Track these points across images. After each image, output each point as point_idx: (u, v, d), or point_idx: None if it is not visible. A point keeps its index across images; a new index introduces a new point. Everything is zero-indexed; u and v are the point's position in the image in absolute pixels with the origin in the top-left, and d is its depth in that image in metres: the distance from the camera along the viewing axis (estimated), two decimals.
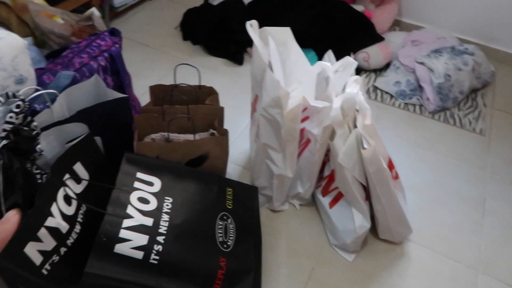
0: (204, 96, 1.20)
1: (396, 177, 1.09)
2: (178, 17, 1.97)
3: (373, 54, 1.76)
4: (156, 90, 1.19)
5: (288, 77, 1.09)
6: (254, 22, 1.05)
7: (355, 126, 1.02)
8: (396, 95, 1.69)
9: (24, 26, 1.38)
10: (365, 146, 0.96)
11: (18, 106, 0.72)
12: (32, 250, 0.75)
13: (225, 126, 1.16)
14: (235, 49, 1.80)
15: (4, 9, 1.36)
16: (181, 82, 1.18)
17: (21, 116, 0.74)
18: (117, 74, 1.19)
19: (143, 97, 1.55)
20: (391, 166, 1.05)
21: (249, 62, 1.81)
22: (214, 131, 1.12)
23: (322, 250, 1.14)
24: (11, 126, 0.72)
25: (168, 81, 1.66)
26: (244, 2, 1.92)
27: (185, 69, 1.52)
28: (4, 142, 0.71)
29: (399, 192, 1.10)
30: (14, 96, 0.75)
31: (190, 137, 1.11)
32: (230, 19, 1.82)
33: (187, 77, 1.30)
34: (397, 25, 2.06)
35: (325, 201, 1.14)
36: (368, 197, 1.08)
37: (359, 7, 1.82)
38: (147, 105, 1.14)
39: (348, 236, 1.08)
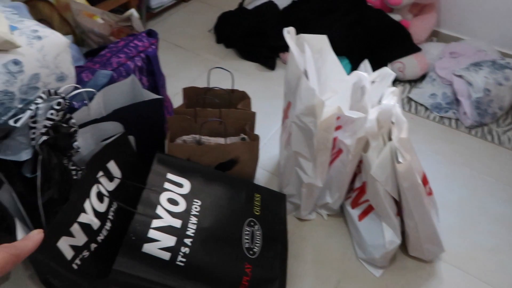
0: (236, 100, 1.20)
1: (429, 193, 1.05)
2: (213, 20, 1.99)
3: (409, 64, 1.72)
4: (190, 92, 1.20)
5: (322, 85, 1.07)
6: (291, 29, 1.04)
7: (390, 139, 0.99)
8: (431, 107, 1.64)
9: (65, 24, 1.42)
10: (400, 160, 0.93)
11: (59, 104, 0.74)
12: (64, 245, 0.77)
13: (255, 131, 1.15)
14: (267, 54, 1.79)
15: (48, 7, 1.41)
16: (214, 86, 1.18)
17: (61, 113, 0.76)
18: (152, 75, 1.21)
19: (175, 98, 1.56)
20: (425, 181, 1.02)
21: (281, 67, 1.80)
22: (245, 136, 1.12)
23: (349, 263, 1.11)
24: (51, 122, 0.74)
25: (200, 83, 1.67)
26: (278, 7, 1.92)
27: (218, 72, 1.53)
28: (44, 138, 0.73)
29: (432, 209, 1.06)
30: (56, 93, 0.77)
31: (221, 140, 1.11)
32: (264, 23, 1.82)
33: (220, 81, 1.31)
34: (435, 35, 2.00)
35: (354, 213, 1.12)
36: (399, 212, 1.05)
37: (396, 16, 1.78)
38: (180, 107, 1.15)
39: (377, 250, 1.05)
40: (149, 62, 1.19)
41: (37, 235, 0.36)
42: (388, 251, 1.04)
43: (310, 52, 1.08)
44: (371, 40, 1.76)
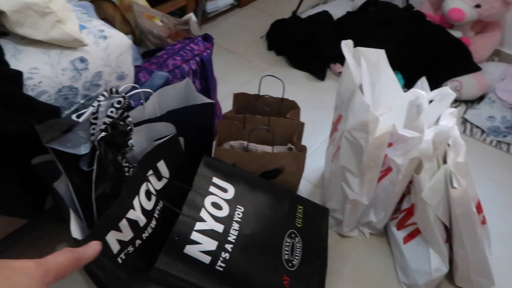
0: (286, 109, 1.20)
1: (483, 222, 0.99)
2: (265, 27, 2.00)
3: (467, 84, 1.64)
4: (240, 98, 1.21)
5: (376, 100, 1.05)
6: (349, 42, 1.02)
7: (445, 162, 0.95)
8: (489, 131, 1.56)
9: (126, 24, 1.48)
10: (455, 185, 0.89)
11: (119, 102, 0.77)
12: (112, 239, 0.79)
13: (302, 141, 1.14)
14: (318, 64, 1.78)
15: (111, 7, 1.47)
16: (264, 93, 1.18)
17: (120, 111, 0.79)
18: (205, 79, 1.23)
19: (224, 102, 1.58)
20: (479, 209, 0.96)
21: (330, 78, 1.78)
22: (292, 146, 1.11)
23: (389, 286, 1.07)
24: (110, 120, 0.77)
25: (249, 88, 1.68)
26: (333, 17, 1.90)
27: (268, 79, 1.53)
28: (103, 134, 0.76)
29: (485, 239, 1.00)
30: (117, 92, 0.79)
31: (268, 148, 1.10)
32: (317, 33, 1.81)
33: (269, 88, 1.31)
34: (496, 55, 1.90)
35: (399, 235, 1.08)
36: (449, 239, 1.00)
37: (457, 33, 1.71)
38: (230, 112, 1.16)
39: (421, 277, 1.01)
40: (203, 66, 1.21)
41: (96, 245, 0.38)
42: (434, 279, 0.99)
43: (366, 66, 1.05)
44: (428, 56, 1.70)
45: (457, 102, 1.69)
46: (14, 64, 0.77)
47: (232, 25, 2.08)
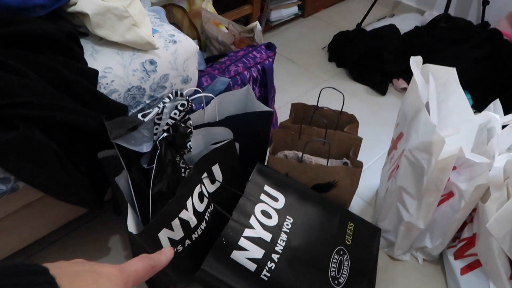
0: (344, 123, 1.17)
1: None
2: (328, 38, 1.98)
3: None
4: (298, 108, 1.20)
5: (443, 121, 0.99)
6: (418, 58, 0.98)
7: None
8: None
9: (193, 29, 1.54)
10: None
11: (182, 105, 0.79)
12: (163, 236, 0.82)
13: (358, 157, 1.11)
14: (380, 78, 1.73)
15: (181, 13, 1.53)
16: (322, 105, 1.17)
17: (182, 113, 0.81)
18: (265, 86, 1.24)
19: (280, 110, 1.58)
20: None
21: (391, 94, 1.72)
22: (348, 161, 1.08)
23: None
24: (173, 121, 0.80)
25: (306, 98, 1.67)
26: (399, 32, 1.84)
27: (327, 91, 1.51)
28: (164, 135, 0.79)
29: None
30: (181, 95, 0.82)
31: (322, 161, 1.09)
32: (382, 47, 1.76)
33: (329, 100, 1.29)
34: None
35: (456, 265, 1.01)
36: None
37: None
38: (287, 121, 1.16)
39: None
40: (264, 74, 1.22)
41: (170, 252, 0.39)
42: None
43: (435, 83, 1.01)
44: (502, 78, 1.59)
45: None
46: (91, 63, 0.83)
47: (295, 34, 2.09)
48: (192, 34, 1.55)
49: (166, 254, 0.38)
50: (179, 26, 1.57)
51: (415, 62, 0.97)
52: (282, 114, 1.57)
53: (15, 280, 0.26)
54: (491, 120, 0.93)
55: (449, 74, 1.03)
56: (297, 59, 1.92)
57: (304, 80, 1.79)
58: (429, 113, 0.96)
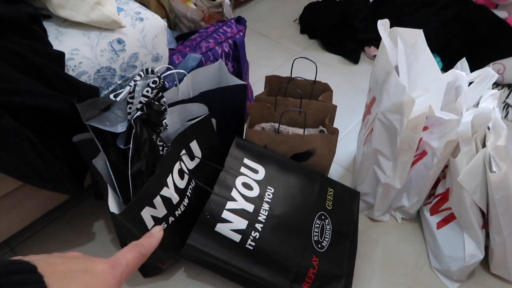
0: (318, 92, 1.19)
1: None
2: (298, 10, 1.97)
3: (510, 66, 1.56)
4: (272, 81, 1.21)
5: (413, 82, 1.02)
6: (386, 21, 0.99)
7: (484, 145, 0.91)
8: None
9: (161, 8, 1.50)
10: (494, 169, 0.86)
11: (154, 82, 0.79)
12: (146, 214, 0.82)
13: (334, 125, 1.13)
14: (352, 47, 1.74)
15: None
16: (296, 76, 1.18)
17: (155, 91, 0.81)
18: (238, 61, 1.24)
19: (256, 85, 1.59)
20: None
21: (364, 62, 1.74)
22: (324, 129, 1.10)
23: (421, 272, 1.06)
24: (146, 99, 0.79)
25: (281, 72, 1.67)
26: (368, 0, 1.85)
27: (301, 62, 1.52)
28: (139, 113, 0.79)
29: None
30: (152, 72, 0.81)
31: (299, 131, 1.10)
32: (352, 16, 1.76)
33: (302, 71, 1.30)
34: None
35: (432, 220, 1.05)
36: (485, 225, 0.97)
37: (501, 13, 1.62)
38: (262, 94, 1.16)
39: (455, 263, 0.99)
40: (235, 48, 1.22)
41: (159, 232, 0.37)
42: (468, 265, 0.96)
43: (403, 46, 1.03)
44: (469, 38, 1.62)
45: (499, 86, 1.62)
46: (56, 46, 0.81)
47: (265, 8, 2.07)
48: (160, 13, 1.52)
49: (155, 236, 0.37)
50: (146, 6, 1.54)
51: (383, 25, 0.99)
52: (257, 88, 1.57)
53: (3, 279, 0.25)
54: (458, 78, 0.96)
55: (417, 36, 1.05)
56: (269, 33, 1.90)
57: (277, 54, 1.78)
58: (399, 73, 0.98)
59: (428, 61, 1.01)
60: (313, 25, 1.85)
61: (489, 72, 0.95)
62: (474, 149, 0.90)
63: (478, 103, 0.96)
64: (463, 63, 1.08)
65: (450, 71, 0.98)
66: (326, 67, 1.71)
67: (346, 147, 1.36)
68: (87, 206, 1.16)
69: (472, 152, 0.90)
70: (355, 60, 1.73)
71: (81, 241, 1.09)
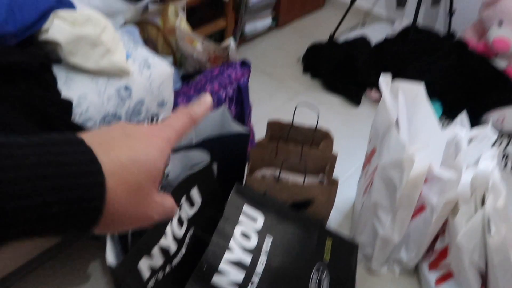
0: (318, 139, 1.20)
1: None
2: (302, 50, 2.01)
3: (510, 116, 1.58)
4: (274, 126, 1.22)
5: (413, 135, 1.03)
6: (387, 76, 1.01)
7: (483, 205, 0.92)
8: None
9: (168, 46, 1.54)
10: (493, 232, 0.86)
11: None
12: (143, 265, 0.81)
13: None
14: (354, 89, 1.77)
15: (155, 30, 1.53)
16: (297, 117, 1.19)
17: None
18: (241, 105, 1.25)
19: (257, 125, 1.60)
20: None
21: (366, 104, 1.76)
22: (324, 178, 1.11)
23: None
24: None
25: (283, 111, 1.69)
26: (370, 43, 1.89)
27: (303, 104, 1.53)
28: None
29: None
30: (157, 120, 0.82)
31: (299, 178, 1.11)
32: (355, 58, 1.80)
33: (304, 113, 1.31)
34: None
35: (431, 276, 1.04)
36: (484, 284, 0.96)
37: (501, 63, 1.65)
38: (263, 140, 1.17)
39: None
40: (239, 92, 1.24)
41: (208, 98, 0.36)
42: None
43: (404, 100, 1.04)
44: (469, 86, 1.65)
45: (498, 134, 1.63)
46: (65, 91, 0.82)
47: (269, 46, 2.11)
48: (167, 51, 1.55)
49: (205, 104, 0.35)
50: (153, 43, 1.57)
51: (385, 80, 1.01)
52: (258, 128, 1.58)
53: (52, 148, 0.24)
54: (458, 135, 0.97)
55: (418, 90, 1.07)
56: (272, 71, 1.94)
57: (280, 93, 1.81)
58: (399, 128, 0.99)
59: (428, 115, 1.03)
60: (315, 65, 1.89)
61: (489, 132, 0.96)
62: (473, 208, 0.91)
63: (477, 160, 0.97)
64: (463, 118, 1.09)
65: (450, 127, 0.99)
66: (327, 108, 1.73)
67: (346, 193, 1.37)
68: (82, 246, 1.15)
69: (471, 212, 0.91)
70: (356, 102, 1.75)
71: (75, 283, 1.07)
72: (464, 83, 1.66)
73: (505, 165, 1.53)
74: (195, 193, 0.96)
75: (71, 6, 0.86)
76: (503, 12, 1.55)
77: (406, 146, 0.89)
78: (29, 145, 0.24)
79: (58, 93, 0.79)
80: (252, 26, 2.04)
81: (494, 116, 1.60)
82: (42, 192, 0.23)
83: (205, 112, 0.35)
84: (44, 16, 0.81)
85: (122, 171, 0.27)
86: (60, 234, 0.26)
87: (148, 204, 0.29)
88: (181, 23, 1.43)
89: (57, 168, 0.24)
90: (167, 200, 0.32)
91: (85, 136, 0.27)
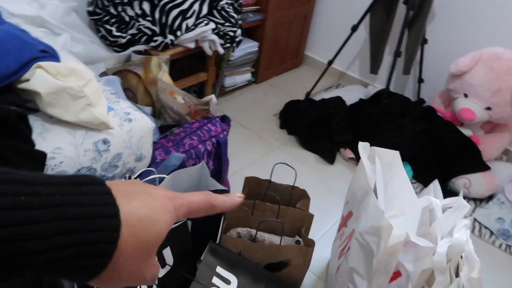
0: (296, 198, 1.19)
1: None
2: (279, 105, 2.06)
3: (476, 182, 1.65)
4: (251, 182, 1.21)
5: (389, 201, 1.04)
6: (366, 144, 1.04)
7: (457, 275, 0.92)
8: (498, 233, 1.53)
9: (148, 96, 1.54)
10: None
11: None
12: None
13: None
14: (329, 147, 1.80)
15: (136, 79, 1.53)
16: (275, 174, 1.19)
17: None
18: (219, 159, 1.25)
19: (233, 178, 1.59)
20: None
21: (339, 163, 1.79)
22: (300, 239, 1.09)
23: None
24: None
25: (259, 165, 1.69)
26: (346, 104, 1.96)
27: (279, 158, 1.55)
28: None
29: None
30: (131, 177, 0.80)
31: (275, 238, 1.08)
32: (330, 117, 1.86)
33: (280, 171, 1.31)
34: (505, 154, 1.93)
35: None
36: None
37: (467, 131, 1.75)
38: None
39: None
40: (218, 147, 1.23)
41: (238, 197, 0.35)
42: None
43: (380, 164, 1.07)
44: (438, 150, 1.72)
45: (465, 199, 1.69)
46: (39, 143, 0.79)
47: (248, 100, 2.15)
48: (146, 100, 1.55)
49: (232, 198, 0.35)
50: (133, 92, 1.57)
51: (363, 147, 1.03)
52: (235, 181, 1.57)
53: (75, 189, 0.25)
54: (433, 204, 0.99)
55: (393, 156, 1.10)
56: (249, 125, 1.96)
57: (257, 147, 1.82)
58: (376, 192, 1.00)
59: (404, 182, 1.05)
60: (292, 122, 1.93)
61: (462, 202, 0.99)
62: (449, 279, 0.91)
63: (452, 230, 0.99)
64: (436, 185, 1.12)
65: (425, 197, 1.02)
66: (302, 164, 1.75)
67: (319, 253, 1.35)
68: None
69: (447, 282, 0.90)
70: (330, 160, 1.78)
71: None
72: (433, 147, 1.73)
73: (473, 230, 1.56)
74: (167, 253, 0.92)
75: (56, 57, 0.85)
76: (469, 85, 1.66)
77: (384, 213, 0.89)
78: (55, 184, 0.25)
79: (32, 144, 0.76)
80: (232, 79, 2.09)
81: (461, 181, 1.67)
82: (60, 232, 0.24)
83: (227, 207, 0.35)
84: (26, 65, 0.80)
85: (136, 224, 0.27)
86: (66, 278, 0.26)
87: (146, 264, 0.29)
88: (164, 76, 1.45)
89: (79, 208, 0.25)
90: (157, 264, 0.32)
91: (107, 183, 0.28)
